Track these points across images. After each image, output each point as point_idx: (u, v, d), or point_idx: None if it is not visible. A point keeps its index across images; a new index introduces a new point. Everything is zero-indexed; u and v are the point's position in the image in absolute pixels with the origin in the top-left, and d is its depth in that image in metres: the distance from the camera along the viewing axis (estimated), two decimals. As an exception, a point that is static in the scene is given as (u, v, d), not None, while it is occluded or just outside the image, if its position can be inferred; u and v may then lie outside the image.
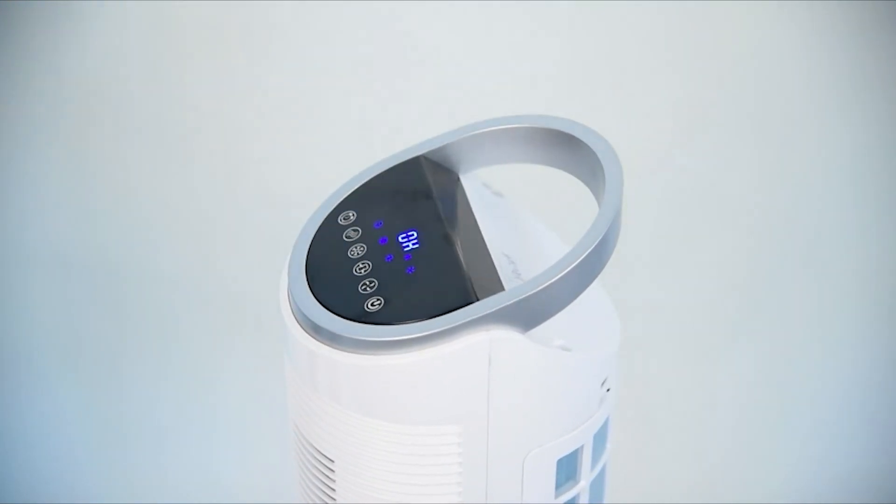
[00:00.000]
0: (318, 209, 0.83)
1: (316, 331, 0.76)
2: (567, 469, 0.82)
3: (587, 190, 0.83)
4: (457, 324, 0.74)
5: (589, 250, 0.76)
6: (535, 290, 0.75)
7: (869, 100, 1.25)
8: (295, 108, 1.30)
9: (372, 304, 0.76)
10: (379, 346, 0.75)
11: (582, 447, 0.82)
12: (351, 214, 0.81)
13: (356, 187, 0.83)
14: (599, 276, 0.79)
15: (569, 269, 0.75)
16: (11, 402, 1.26)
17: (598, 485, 0.85)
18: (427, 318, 0.75)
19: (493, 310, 0.74)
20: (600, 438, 0.84)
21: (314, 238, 0.81)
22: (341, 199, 0.83)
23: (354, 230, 0.80)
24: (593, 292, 0.83)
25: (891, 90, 1.24)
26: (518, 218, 0.86)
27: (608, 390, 0.82)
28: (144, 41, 1.29)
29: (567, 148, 0.82)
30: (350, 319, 0.76)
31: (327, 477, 0.81)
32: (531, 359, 0.76)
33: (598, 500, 0.86)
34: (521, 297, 0.74)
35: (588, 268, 0.76)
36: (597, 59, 1.30)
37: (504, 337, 0.75)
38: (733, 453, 1.22)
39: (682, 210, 1.29)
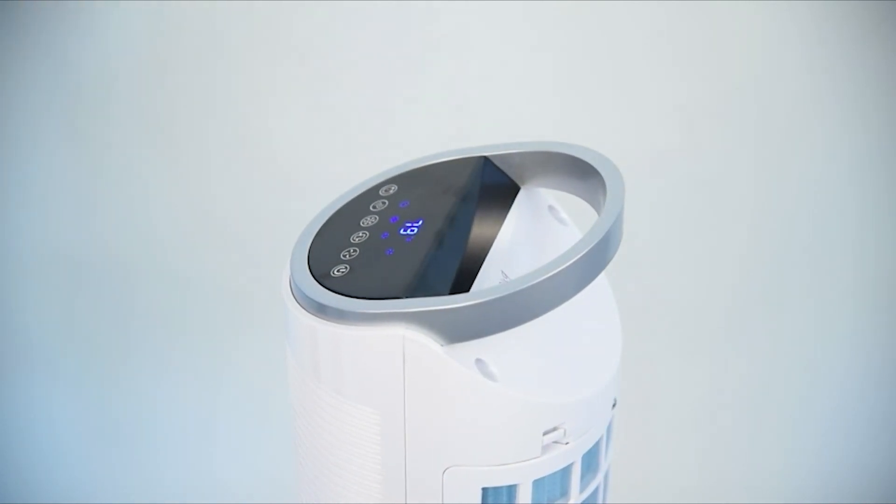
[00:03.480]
0: (378, 174, 0.85)
1: (290, 276, 0.80)
2: (506, 501, 0.80)
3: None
4: (371, 311, 0.75)
5: (524, 287, 0.73)
6: (455, 305, 0.74)
7: (869, 100, 1.16)
8: (301, 108, 1.29)
9: (338, 271, 0.78)
10: (316, 308, 0.77)
11: (517, 486, 0.79)
12: (392, 188, 0.83)
13: (416, 167, 0.85)
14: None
15: (498, 296, 0.73)
16: (12, 401, 1.31)
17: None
18: (361, 298, 0.76)
19: (408, 310, 0.74)
20: (559, 485, 0.81)
21: (352, 199, 0.84)
22: (399, 172, 0.85)
23: (383, 202, 0.82)
24: (606, 326, 0.80)
25: (891, 90, 1.15)
26: (559, 247, 0.83)
27: (566, 443, 0.79)
28: (150, 38, 1.30)
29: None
30: (313, 276, 0.79)
31: (296, 420, 0.84)
32: (445, 374, 0.75)
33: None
34: (438, 308, 0.74)
35: (526, 302, 0.74)
36: (598, 58, 1.24)
37: (419, 341, 0.74)
38: (733, 452, 1.17)
39: (683, 210, 1.24)
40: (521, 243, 0.82)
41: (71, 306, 1.35)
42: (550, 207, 0.85)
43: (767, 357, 1.24)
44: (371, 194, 0.84)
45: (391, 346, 0.75)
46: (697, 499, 1.18)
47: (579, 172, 0.81)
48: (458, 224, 0.80)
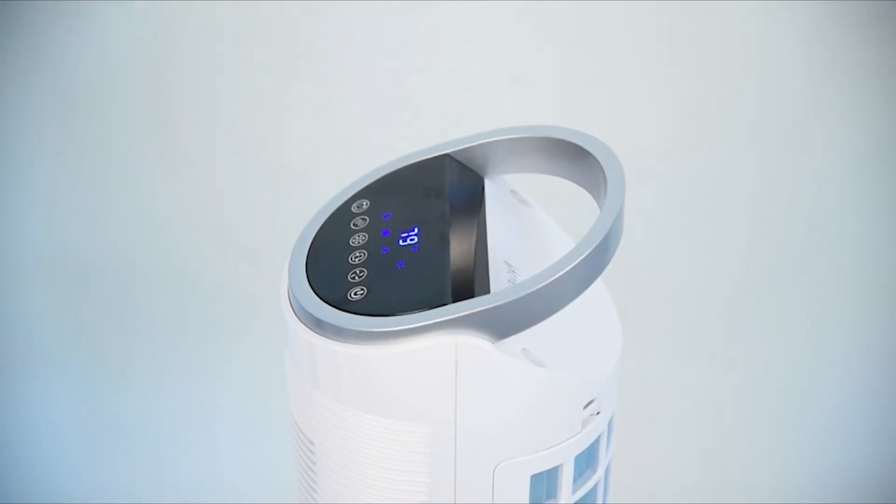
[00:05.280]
0: (337, 194, 0.84)
1: (301, 312, 0.77)
2: (547, 486, 0.81)
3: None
4: (422, 324, 0.74)
5: (569, 267, 0.74)
6: (506, 300, 0.74)
7: (869, 100, 1.21)
8: (302, 109, 1.30)
9: (355, 294, 0.77)
10: (352, 335, 0.75)
11: (561, 467, 0.80)
12: (365, 203, 0.82)
13: (378, 177, 0.84)
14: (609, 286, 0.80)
15: (544, 283, 0.74)
16: (11, 401, 1.28)
17: (583, 506, 0.84)
18: (400, 314, 0.75)
19: (461, 314, 0.74)
20: (586, 460, 0.82)
21: (325, 222, 0.82)
22: (361, 187, 0.84)
23: (363, 219, 0.81)
24: (600, 305, 0.82)
25: (891, 90, 1.20)
26: (537, 228, 0.85)
27: (597, 413, 0.81)
28: (151, 38, 1.30)
29: (581, 163, 0.81)
30: (332, 306, 0.76)
31: (309, 458, 0.82)
32: (499, 370, 0.75)
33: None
34: (491, 306, 0.74)
35: (569, 284, 0.75)
36: (598, 57, 1.27)
37: (472, 343, 0.74)
38: (732, 453, 1.19)
39: (683, 209, 1.27)
40: (508, 231, 0.83)
41: (72, 306, 1.30)
42: (513, 192, 0.86)
43: (767, 357, 1.25)
44: (344, 213, 0.82)
45: (442, 355, 0.75)
46: (697, 499, 1.20)
47: (564, 154, 0.82)
48: (454, 224, 0.80)
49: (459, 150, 0.84)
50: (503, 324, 0.74)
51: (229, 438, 1.28)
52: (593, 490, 0.84)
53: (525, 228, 0.84)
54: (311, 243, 0.81)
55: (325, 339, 0.76)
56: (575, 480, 0.83)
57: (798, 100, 1.25)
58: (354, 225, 0.81)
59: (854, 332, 1.24)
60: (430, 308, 0.75)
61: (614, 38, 1.27)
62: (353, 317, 0.75)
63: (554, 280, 0.74)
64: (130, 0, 1.26)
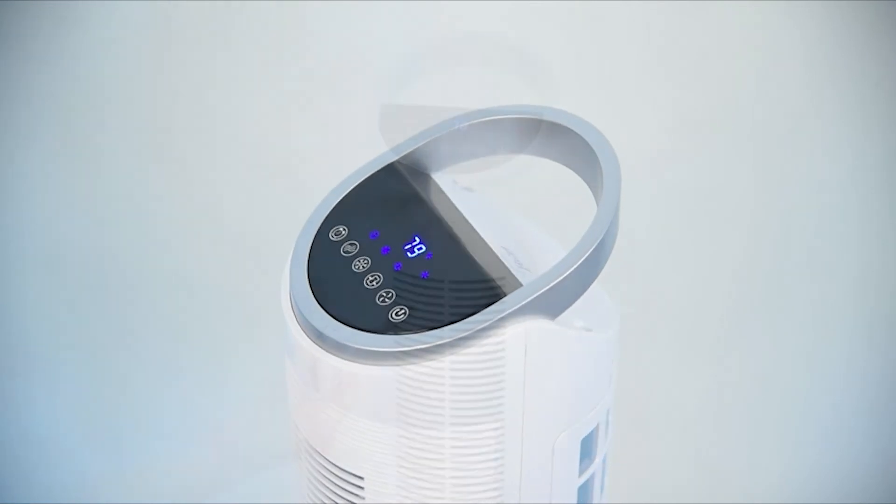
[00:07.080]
0: (304, 227, 0.81)
1: (353, 353, 0.75)
2: (585, 447, 0.83)
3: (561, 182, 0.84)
4: (495, 319, 0.74)
5: (605, 231, 0.77)
6: (562, 277, 0.75)
7: (869, 100, 1.26)
8: (300, 109, 1.28)
9: (396, 315, 0.75)
10: (422, 354, 0.74)
11: (598, 425, 0.83)
12: (342, 229, 0.80)
13: (338, 200, 0.82)
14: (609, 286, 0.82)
15: (590, 251, 0.76)
16: (10, 401, 1.22)
17: (605, 461, 0.87)
18: (459, 319, 0.74)
19: (527, 301, 0.74)
20: (609, 414, 0.85)
21: (310, 256, 0.79)
22: (326, 214, 0.81)
23: (351, 244, 0.79)
24: None
25: (891, 90, 1.25)
26: (496, 210, 0.86)
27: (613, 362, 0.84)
28: (148, 39, 1.27)
29: (551, 135, 0.83)
30: (378, 333, 0.74)
31: (355, 495, 0.80)
32: (562, 344, 0.77)
33: (605, 476, 0.87)
34: (551, 286, 0.75)
35: (604, 248, 0.77)
36: (596, 57, 1.30)
37: (538, 326, 0.75)
38: (732, 453, 1.23)
39: (682, 208, 1.30)
40: (483, 219, 0.83)
41: (71, 307, 1.22)
42: (455, 181, 0.87)
43: (767, 359, 1.23)
44: (325, 245, 0.80)
45: (514, 344, 0.75)
46: (698, 499, 1.18)
47: (506, 132, 0.84)
48: (450, 223, 0.80)
49: (408, 153, 0.83)
50: (559, 302, 0.76)
51: (229, 439, 1.21)
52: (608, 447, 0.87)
53: (489, 213, 0.85)
54: (311, 284, 0.78)
55: (391, 368, 0.74)
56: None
57: (798, 99, 1.27)
58: (346, 252, 0.79)
59: (855, 332, 1.26)
60: (487, 305, 0.75)
61: (615, 38, 1.27)
62: (413, 336, 0.74)
63: (594, 249, 0.76)
64: (130, 0, 1.21)
